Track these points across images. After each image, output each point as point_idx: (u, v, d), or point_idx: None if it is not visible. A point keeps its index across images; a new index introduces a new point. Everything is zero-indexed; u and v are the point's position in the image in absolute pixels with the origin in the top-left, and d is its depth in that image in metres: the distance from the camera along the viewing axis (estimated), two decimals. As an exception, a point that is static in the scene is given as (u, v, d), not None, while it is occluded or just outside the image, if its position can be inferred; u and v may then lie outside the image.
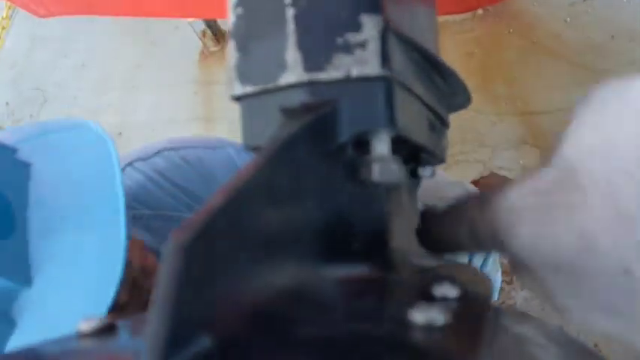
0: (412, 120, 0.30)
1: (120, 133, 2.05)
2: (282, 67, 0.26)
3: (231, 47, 0.28)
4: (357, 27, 0.26)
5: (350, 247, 0.27)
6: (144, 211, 0.67)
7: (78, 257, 0.47)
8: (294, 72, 0.26)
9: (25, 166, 0.50)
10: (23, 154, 0.51)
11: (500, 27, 1.73)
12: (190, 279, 0.15)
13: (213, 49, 2.08)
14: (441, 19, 1.81)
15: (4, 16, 2.57)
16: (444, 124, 0.40)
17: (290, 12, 0.27)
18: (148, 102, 2.09)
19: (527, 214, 0.22)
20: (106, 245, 0.47)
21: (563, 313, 0.23)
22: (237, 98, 0.28)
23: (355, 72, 0.26)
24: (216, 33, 2.05)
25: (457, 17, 1.79)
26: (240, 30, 0.28)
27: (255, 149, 0.28)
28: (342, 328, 0.16)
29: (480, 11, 1.78)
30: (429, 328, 0.16)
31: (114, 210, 0.48)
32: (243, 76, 0.28)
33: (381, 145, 0.26)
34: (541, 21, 1.73)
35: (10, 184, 0.48)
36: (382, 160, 0.26)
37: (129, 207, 0.57)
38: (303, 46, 0.26)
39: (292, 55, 0.26)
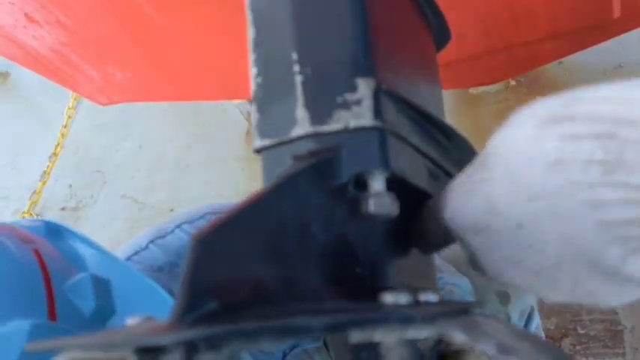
0: (408, 164, 0.35)
1: (171, 209, 2.16)
2: (293, 122, 0.32)
3: (253, 110, 0.35)
4: (353, 88, 0.32)
5: (354, 270, 0.32)
6: None
7: None
8: (302, 126, 0.32)
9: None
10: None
11: (533, 96, 1.76)
12: (201, 263, 0.20)
13: (259, 128, 2.20)
14: (477, 91, 1.88)
15: (70, 106, 2.80)
16: (448, 174, 0.45)
17: (298, 79, 0.33)
18: (198, 179, 2.21)
19: (455, 190, 0.31)
20: None
21: (489, 273, 0.31)
22: (258, 151, 0.34)
23: (352, 124, 0.32)
24: (261, 113, 2.18)
25: (492, 89, 1.85)
26: (259, 95, 0.34)
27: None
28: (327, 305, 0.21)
29: (512, 82, 1.84)
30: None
31: None
32: (261, 132, 0.34)
33: (377, 183, 0.31)
34: (574, 89, 1.77)
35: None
36: (377, 195, 0.31)
37: (174, 264, 0.63)
38: (309, 105, 0.32)
39: (301, 112, 0.32)
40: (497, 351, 0.19)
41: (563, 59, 1.79)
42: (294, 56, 0.33)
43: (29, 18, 1.10)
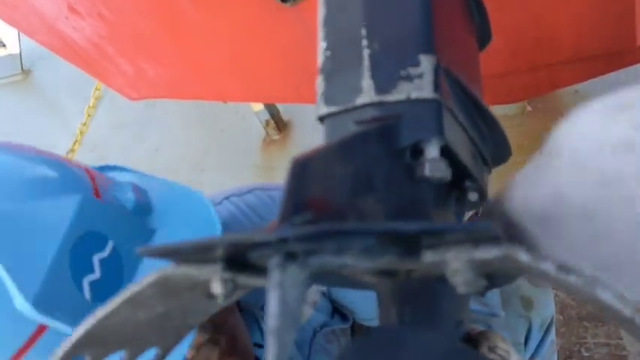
0: (457, 140, 0.38)
1: (184, 212, 2.19)
2: (358, 91, 0.36)
3: (319, 80, 0.38)
4: (416, 63, 0.35)
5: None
6: None
7: None
8: (368, 95, 0.35)
9: (150, 232, 0.60)
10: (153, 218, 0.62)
11: (547, 122, 1.80)
12: (300, 179, 0.23)
13: (275, 137, 2.24)
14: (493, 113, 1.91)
15: (91, 105, 2.85)
16: (486, 163, 0.47)
17: (366, 52, 0.36)
18: (213, 184, 2.25)
19: (520, 180, 0.31)
20: None
21: None
22: (322, 118, 0.37)
23: (414, 95, 0.35)
24: (278, 122, 2.22)
25: (508, 112, 1.89)
26: (327, 66, 0.37)
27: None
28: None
29: (529, 108, 1.88)
30: None
31: None
32: (328, 99, 0.37)
33: (433, 150, 0.34)
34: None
35: (131, 249, 0.57)
36: (433, 160, 0.34)
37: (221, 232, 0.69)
38: (375, 76, 0.35)
39: (367, 82, 0.35)
40: (557, 269, 0.22)
41: (579, 88, 1.83)
42: (363, 32, 0.36)
43: (72, 9, 1.15)
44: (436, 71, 0.35)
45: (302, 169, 0.23)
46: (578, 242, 0.28)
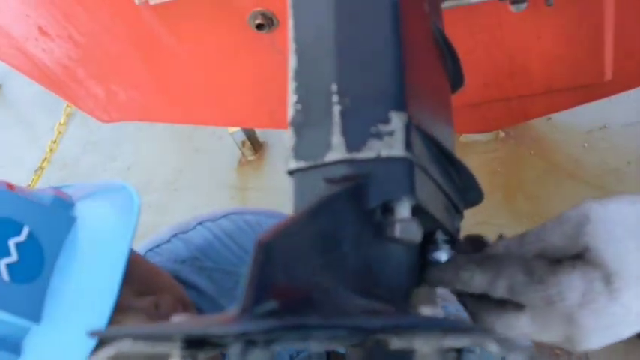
0: (429, 196, 0.37)
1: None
2: (328, 147, 0.35)
3: (289, 134, 0.37)
4: (387, 120, 0.34)
5: (376, 291, 0.34)
6: (208, 263, 0.76)
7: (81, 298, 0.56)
8: (337, 152, 0.34)
9: (72, 220, 0.62)
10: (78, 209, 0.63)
11: (521, 149, 1.83)
12: (263, 265, 0.22)
13: (250, 158, 2.23)
14: (468, 139, 1.93)
15: (62, 122, 2.80)
16: (459, 212, 0.47)
17: (337, 108, 0.35)
18: (186, 204, 2.22)
19: (633, 230, 0.33)
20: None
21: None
22: (291, 172, 0.36)
23: (384, 153, 0.34)
24: (254, 144, 2.21)
25: (482, 138, 1.91)
26: (297, 120, 0.37)
27: (303, 211, 0.36)
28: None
29: (502, 134, 1.90)
30: None
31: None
32: (297, 154, 0.36)
33: (403, 210, 0.34)
34: (560, 146, 1.83)
35: (50, 235, 0.59)
36: (404, 221, 0.33)
37: (196, 258, 0.68)
38: (345, 132, 0.35)
39: (337, 139, 0.35)
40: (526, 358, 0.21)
41: (552, 116, 1.86)
42: (334, 87, 0.35)
43: (42, 31, 1.13)
44: (407, 129, 0.34)
45: (266, 252, 0.22)
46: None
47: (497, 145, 1.87)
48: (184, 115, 1.31)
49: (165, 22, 1.06)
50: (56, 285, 0.57)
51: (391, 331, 0.21)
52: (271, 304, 0.22)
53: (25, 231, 0.57)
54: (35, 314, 0.55)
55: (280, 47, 1.08)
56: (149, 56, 1.16)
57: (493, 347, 0.22)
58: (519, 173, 1.79)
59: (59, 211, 0.62)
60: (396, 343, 0.22)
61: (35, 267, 0.57)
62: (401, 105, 0.35)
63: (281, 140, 2.23)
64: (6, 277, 0.54)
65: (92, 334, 0.23)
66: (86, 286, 0.56)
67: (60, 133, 2.77)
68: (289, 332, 0.21)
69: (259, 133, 2.23)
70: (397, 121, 0.34)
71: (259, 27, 1.04)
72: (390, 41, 0.36)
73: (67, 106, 2.73)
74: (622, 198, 0.37)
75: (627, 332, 0.35)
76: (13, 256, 0.55)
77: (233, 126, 1.41)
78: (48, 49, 1.16)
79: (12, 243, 0.56)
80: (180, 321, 0.25)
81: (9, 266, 0.55)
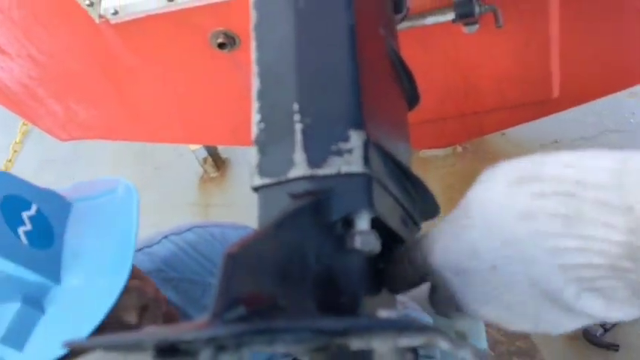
0: (387, 209, 0.39)
1: (117, 252, 2.12)
2: (291, 164, 0.37)
3: (254, 152, 0.39)
4: (346, 138, 0.37)
5: (338, 299, 0.35)
6: (173, 274, 0.78)
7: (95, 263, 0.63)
8: (300, 168, 0.36)
9: (68, 205, 0.71)
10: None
11: (477, 163, 1.89)
12: (231, 276, 0.24)
13: (213, 174, 2.23)
14: (427, 155, 1.98)
15: (17, 140, 2.74)
16: (416, 224, 0.49)
17: (298, 127, 0.37)
18: (147, 223, 2.19)
19: (439, 236, 0.35)
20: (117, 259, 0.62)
21: (466, 309, 0.35)
22: (256, 188, 0.38)
23: (344, 169, 0.36)
24: (216, 160, 2.21)
25: (440, 153, 1.96)
26: (261, 138, 0.38)
27: (269, 225, 0.38)
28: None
29: (459, 149, 1.96)
30: None
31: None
32: (262, 171, 0.38)
33: (363, 222, 0.36)
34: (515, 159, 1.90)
35: (54, 212, 0.68)
36: (363, 233, 0.35)
37: (160, 270, 0.70)
38: (307, 150, 0.37)
39: (299, 156, 0.37)
40: (474, 356, 0.23)
41: (506, 131, 1.93)
42: (296, 107, 0.37)
43: (1, 50, 1.12)
44: (365, 146, 0.37)
45: (233, 263, 0.24)
46: (487, 291, 0.33)
47: (454, 160, 1.93)
48: (146, 133, 1.31)
49: (127, 41, 1.07)
50: (68, 254, 0.64)
51: (351, 332, 0.23)
52: (240, 311, 0.23)
53: (34, 207, 0.66)
54: (55, 276, 0.62)
55: (242, 65, 1.10)
56: (110, 74, 1.16)
57: (444, 345, 0.24)
58: (476, 187, 1.85)
59: (57, 197, 0.71)
60: (356, 343, 0.24)
61: (47, 237, 0.65)
62: (359, 124, 0.37)
63: (244, 157, 2.24)
64: (25, 241, 0.62)
65: (66, 345, 0.24)
66: (100, 254, 0.63)
67: (15, 151, 2.71)
68: (257, 336, 0.22)
69: (221, 149, 2.23)
70: (356, 138, 0.37)
71: (221, 46, 1.06)
72: (347, 63, 0.38)
73: (23, 124, 2.68)
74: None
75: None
76: (28, 226, 0.64)
77: (196, 143, 1.41)
78: (7, 67, 1.15)
79: (25, 215, 0.64)
80: (152, 330, 0.26)
81: (26, 233, 0.63)
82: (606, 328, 1.44)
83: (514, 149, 1.93)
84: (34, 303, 0.61)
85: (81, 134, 1.34)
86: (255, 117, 0.39)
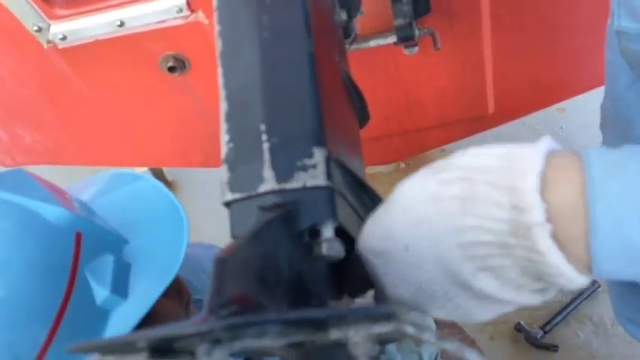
0: (347, 218, 0.43)
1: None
2: (260, 180, 0.40)
3: (224, 169, 0.42)
4: (310, 155, 0.40)
5: (307, 303, 0.39)
6: None
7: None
8: (269, 183, 0.39)
9: None
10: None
11: (421, 178, 1.97)
12: (222, 279, 0.27)
13: (159, 198, 2.21)
14: (371, 171, 2.04)
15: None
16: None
17: (266, 145, 0.40)
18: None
19: (368, 222, 0.39)
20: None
21: (387, 293, 0.38)
22: (228, 203, 0.41)
23: (310, 183, 0.39)
24: (163, 182, 2.20)
25: (384, 170, 2.02)
26: (230, 157, 0.41)
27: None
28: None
29: (402, 165, 2.03)
30: None
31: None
32: (233, 187, 0.41)
33: (328, 231, 0.39)
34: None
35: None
36: (329, 241, 0.39)
37: None
38: (275, 166, 0.40)
39: (267, 172, 0.40)
40: (437, 339, 0.27)
41: (446, 147, 2.01)
42: (263, 127, 0.41)
43: (-58, 75, 1.10)
44: (327, 161, 0.40)
45: (224, 266, 0.26)
46: (402, 270, 0.37)
47: (398, 176, 2.00)
48: (94, 158, 1.31)
49: (75, 66, 1.07)
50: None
51: (331, 321, 0.26)
52: (232, 308, 0.26)
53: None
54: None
55: (193, 88, 1.12)
56: (57, 100, 1.15)
57: (410, 330, 0.27)
58: (420, 200, 1.92)
59: None
60: (334, 334, 0.28)
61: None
62: (321, 142, 0.41)
63: (189, 179, 2.23)
64: None
65: (70, 350, 0.27)
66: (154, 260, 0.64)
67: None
68: (249, 329, 0.25)
69: (167, 171, 2.22)
70: (319, 155, 0.40)
71: (171, 70, 1.08)
72: (308, 87, 0.42)
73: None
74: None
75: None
76: None
77: (145, 166, 1.41)
78: (-53, 93, 1.13)
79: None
80: (146, 331, 0.28)
81: None
82: (545, 330, 1.52)
83: (454, 164, 2.02)
84: (120, 256, 0.63)
85: (26, 160, 1.31)
86: (224, 137, 0.42)
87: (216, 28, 0.46)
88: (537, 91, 1.19)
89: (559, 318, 1.52)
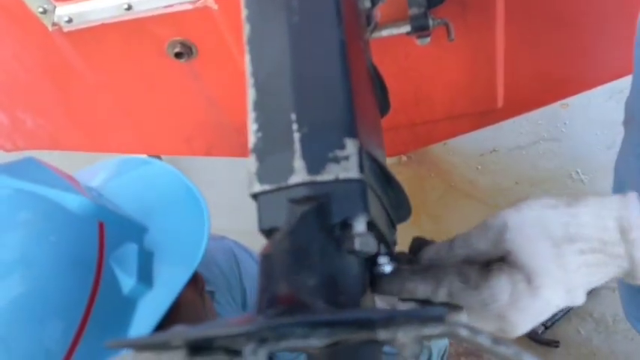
0: (377, 212, 0.42)
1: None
2: (291, 171, 0.38)
3: (252, 159, 0.40)
4: (342, 146, 0.39)
5: (339, 299, 0.37)
6: None
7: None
8: (299, 175, 0.38)
9: None
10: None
11: (422, 171, 1.96)
12: (268, 277, 0.25)
13: (158, 186, 2.19)
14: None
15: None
16: (394, 226, 0.52)
17: (296, 135, 0.39)
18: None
19: (546, 231, 0.42)
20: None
21: None
22: (255, 195, 0.39)
23: (342, 175, 0.38)
24: (162, 171, 2.18)
25: (387, 162, 2.01)
26: (259, 147, 0.40)
27: (268, 231, 0.39)
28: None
29: (404, 158, 2.02)
30: None
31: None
32: (261, 178, 0.39)
33: (360, 225, 0.38)
34: (456, 168, 1.98)
35: None
36: (362, 235, 0.37)
37: None
38: (306, 157, 0.38)
39: (298, 163, 0.38)
40: (492, 342, 0.26)
41: (448, 141, 2.01)
42: (294, 117, 0.39)
43: (-58, 57, 1.07)
44: (360, 153, 0.39)
45: (268, 263, 0.25)
46: None
47: (400, 169, 1.99)
48: (96, 144, 1.28)
49: (80, 49, 1.05)
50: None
51: (380, 322, 0.25)
52: (280, 308, 0.25)
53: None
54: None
55: (199, 75, 1.10)
56: (61, 84, 1.13)
57: (464, 332, 0.26)
58: (422, 195, 1.91)
59: None
60: (382, 335, 0.26)
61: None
62: (353, 132, 0.39)
63: (189, 167, 2.21)
64: None
65: (108, 345, 0.25)
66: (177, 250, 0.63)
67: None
68: (297, 329, 0.24)
69: (165, 160, 2.20)
70: (351, 146, 0.39)
71: (178, 55, 1.06)
72: (340, 76, 0.41)
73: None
74: (534, 203, 0.43)
75: (546, 317, 0.42)
76: None
77: (147, 153, 1.39)
78: (-53, 75, 1.11)
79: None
80: (183, 328, 0.27)
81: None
82: (546, 326, 1.52)
83: (455, 158, 2.01)
84: (142, 244, 0.62)
85: (26, 144, 1.29)
86: (253, 126, 0.40)
87: (244, 12, 0.44)
88: (547, 86, 1.18)
89: (560, 314, 1.52)
